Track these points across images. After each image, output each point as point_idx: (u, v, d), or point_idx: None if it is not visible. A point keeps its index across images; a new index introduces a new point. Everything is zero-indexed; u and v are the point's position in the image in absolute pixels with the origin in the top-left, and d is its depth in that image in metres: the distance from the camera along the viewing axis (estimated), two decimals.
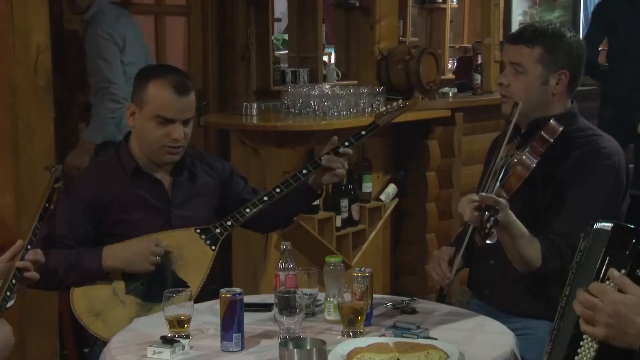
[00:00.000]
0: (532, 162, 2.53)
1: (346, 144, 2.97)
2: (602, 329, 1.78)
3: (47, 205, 2.60)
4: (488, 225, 2.32)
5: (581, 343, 1.88)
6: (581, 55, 2.75)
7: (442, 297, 2.68)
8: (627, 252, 1.84)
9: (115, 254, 2.72)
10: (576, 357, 1.88)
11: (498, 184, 2.51)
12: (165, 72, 2.85)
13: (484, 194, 2.43)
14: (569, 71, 2.71)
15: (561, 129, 2.60)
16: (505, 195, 2.47)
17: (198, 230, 2.84)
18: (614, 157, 2.67)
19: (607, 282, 1.84)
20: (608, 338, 1.79)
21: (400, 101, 3.09)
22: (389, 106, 3.07)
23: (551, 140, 2.58)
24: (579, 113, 2.79)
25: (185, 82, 2.83)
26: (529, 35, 2.71)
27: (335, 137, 3.00)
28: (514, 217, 2.49)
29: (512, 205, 2.48)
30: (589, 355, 1.86)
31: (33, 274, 2.47)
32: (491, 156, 2.76)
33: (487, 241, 2.37)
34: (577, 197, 2.62)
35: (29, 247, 2.46)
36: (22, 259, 2.42)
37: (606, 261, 1.85)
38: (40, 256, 2.49)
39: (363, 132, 3.01)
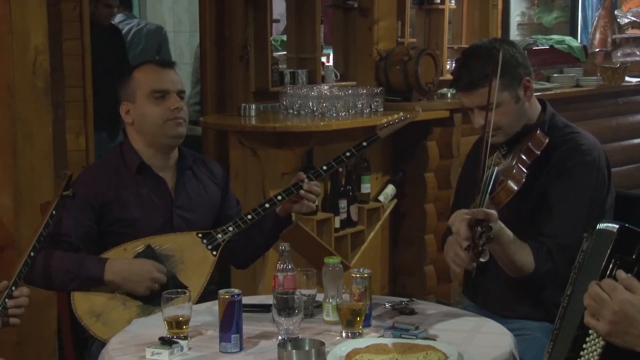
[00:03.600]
0: (522, 177, 2.52)
1: (347, 154, 2.96)
2: (606, 324, 1.78)
3: (53, 212, 2.61)
4: (481, 242, 2.29)
5: (584, 346, 1.87)
6: (522, 53, 2.75)
7: (471, 280, 2.62)
8: (633, 257, 1.84)
9: (116, 269, 2.71)
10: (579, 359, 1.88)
11: (487, 196, 2.48)
12: (144, 61, 2.96)
13: (474, 209, 2.40)
14: (527, 75, 2.72)
15: (547, 140, 2.61)
16: (494, 209, 2.45)
17: (200, 235, 2.84)
18: (594, 152, 2.68)
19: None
20: (610, 335, 1.78)
21: (402, 113, 3.09)
22: (390, 118, 3.06)
23: (538, 152, 2.59)
24: (555, 112, 2.81)
25: (165, 59, 2.95)
26: (477, 74, 2.66)
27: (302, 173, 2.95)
28: (502, 225, 2.48)
29: (500, 211, 2.48)
30: (592, 359, 1.86)
31: (19, 312, 2.46)
32: (473, 162, 2.75)
33: (481, 259, 2.33)
34: (561, 197, 2.63)
35: (28, 261, 2.46)
36: (9, 295, 2.41)
37: (611, 263, 1.85)
38: (26, 293, 2.48)
39: (364, 144, 3.00)
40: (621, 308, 1.76)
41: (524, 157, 2.57)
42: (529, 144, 2.59)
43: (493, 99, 2.60)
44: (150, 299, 2.70)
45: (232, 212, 3.04)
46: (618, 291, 1.78)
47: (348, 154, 2.96)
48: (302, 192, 2.86)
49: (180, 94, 2.89)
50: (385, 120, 3.06)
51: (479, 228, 2.30)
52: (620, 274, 1.81)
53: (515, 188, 2.49)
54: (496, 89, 2.61)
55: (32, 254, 2.49)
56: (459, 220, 2.37)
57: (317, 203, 2.99)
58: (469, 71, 2.70)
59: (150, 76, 2.87)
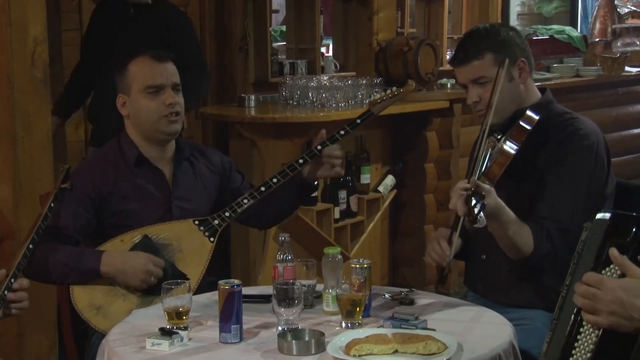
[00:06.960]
0: (512, 150, 2.56)
1: (341, 132, 2.96)
2: (606, 317, 1.77)
3: (51, 205, 2.61)
4: (475, 210, 2.35)
5: (581, 330, 1.88)
6: (523, 39, 2.80)
7: (443, 278, 2.64)
8: (627, 239, 1.84)
9: (112, 261, 2.70)
10: (576, 344, 1.88)
11: (482, 172, 2.53)
12: (139, 52, 2.92)
13: (471, 179, 2.45)
14: (525, 57, 2.75)
15: (538, 117, 2.63)
16: (489, 183, 2.49)
17: (196, 222, 2.84)
18: (592, 137, 2.69)
19: (607, 268, 1.84)
20: (613, 325, 1.77)
21: (395, 88, 3.10)
22: (383, 94, 3.08)
23: (529, 127, 2.62)
24: (553, 99, 2.82)
25: (160, 52, 2.92)
26: (473, 49, 2.72)
27: (324, 130, 2.99)
28: (503, 203, 2.51)
29: (500, 195, 2.50)
30: (589, 341, 1.86)
31: (22, 305, 2.45)
32: (475, 149, 2.76)
33: (476, 225, 2.39)
34: (560, 181, 2.65)
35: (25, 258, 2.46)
36: (9, 287, 2.41)
37: (605, 248, 1.85)
38: (25, 285, 2.47)
39: (358, 121, 3.01)
40: (614, 296, 1.75)
41: (514, 132, 2.61)
42: (519, 121, 2.63)
43: (500, 79, 2.63)
44: (150, 290, 2.70)
45: (236, 184, 3.06)
46: (605, 281, 1.78)
47: (342, 132, 2.97)
48: (325, 151, 2.89)
49: (176, 87, 2.88)
50: (378, 96, 3.07)
51: (474, 199, 2.37)
52: (613, 252, 1.81)
53: (506, 160, 2.54)
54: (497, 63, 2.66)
55: (30, 246, 2.48)
56: (457, 196, 2.43)
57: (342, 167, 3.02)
58: (465, 48, 2.76)
59: (145, 71, 2.86)
